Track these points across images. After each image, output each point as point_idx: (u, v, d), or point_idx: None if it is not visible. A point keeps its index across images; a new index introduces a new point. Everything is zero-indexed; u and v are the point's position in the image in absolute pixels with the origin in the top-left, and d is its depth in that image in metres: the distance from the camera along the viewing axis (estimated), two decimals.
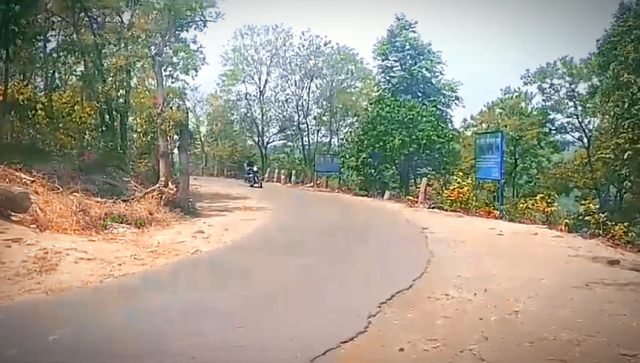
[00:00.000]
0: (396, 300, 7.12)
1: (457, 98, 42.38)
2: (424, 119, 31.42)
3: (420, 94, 39.35)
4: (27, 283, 7.97)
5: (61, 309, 6.79)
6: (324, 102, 47.90)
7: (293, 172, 36.98)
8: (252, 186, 31.34)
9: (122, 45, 22.52)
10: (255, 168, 34.48)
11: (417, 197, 21.76)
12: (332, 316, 6.32)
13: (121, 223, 13.16)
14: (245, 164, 38.49)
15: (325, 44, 47.10)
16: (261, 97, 49.31)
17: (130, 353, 5.13)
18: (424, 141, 30.79)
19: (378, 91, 42.14)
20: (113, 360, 4.94)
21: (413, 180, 32.79)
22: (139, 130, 25.11)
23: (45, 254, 9.24)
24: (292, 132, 49.39)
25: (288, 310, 6.69)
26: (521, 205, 18.11)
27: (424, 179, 23.46)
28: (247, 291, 7.45)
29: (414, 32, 40.97)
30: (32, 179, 14.11)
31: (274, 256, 10.44)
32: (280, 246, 11.74)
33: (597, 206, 18.58)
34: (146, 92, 24.94)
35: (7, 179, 13.02)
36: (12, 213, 10.97)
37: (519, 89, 42.48)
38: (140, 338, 5.56)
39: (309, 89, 48.05)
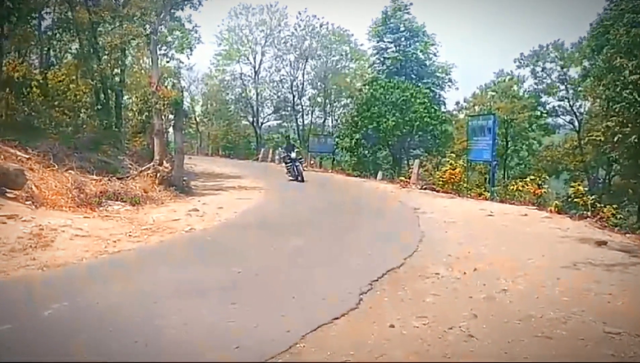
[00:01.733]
0: (387, 278, 7.26)
1: (450, 80, 42.50)
2: (418, 101, 31.49)
3: (414, 76, 39.38)
4: (23, 259, 8.06)
5: (56, 285, 6.88)
6: (319, 83, 47.84)
7: None
8: (293, 180, 22.04)
9: (117, 23, 22.41)
10: (294, 154, 22.85)
11: (410, 178, 21.89)
12: (324, 293, 6.44)
13: (116, 200, 13.25)
14: (281, 149, 28.90)
15: (321, 25, 46.95)
16: (256, 77, 49.22)
17: (124, 328, 5.23)
18: (417, 123, 30.90)
19: (372, 72, 42.16)
20: (107, 335, 5.05)
21: (406, 161, 32.94)
22: (133, 109, 24.95)
23: (41, 230, 9.34)
24: (287, 113, 49.35)
25: (281, 287, 6.81)
26: (512, 187, 18.26)
27: (417, 161, 23.58)
28: (240, 268, 7.56)
29: (408, 13, 40.90)
30: (27, 156, 14.14)
31: (268, 234, 10.55)
32: (274, 224, 11.85)
33: (587, 189, 18.80)
34: (141, 70, 24.92)
35: (2, 156, 13.05)
36: (7, 190, 11.04)
37: (512, 72, 42.60)
38: (134, 313, 5.67)
39: (303, 69, 47.97)
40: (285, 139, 28.45)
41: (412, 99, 31.36)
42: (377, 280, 7.03)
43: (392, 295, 6.55)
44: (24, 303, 6.03)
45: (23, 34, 22.21)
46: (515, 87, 42.39)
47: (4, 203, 10.32)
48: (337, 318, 5.58)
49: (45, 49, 24.52)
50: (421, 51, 40.73)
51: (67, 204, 11.98)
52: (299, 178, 21.54)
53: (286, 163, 23.16)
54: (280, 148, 30.17)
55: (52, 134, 17.75)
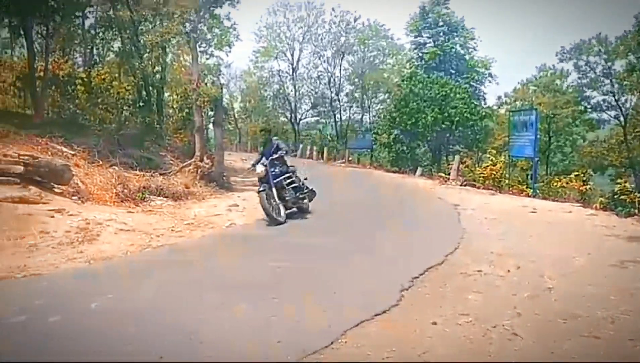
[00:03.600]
0: (429, 275, 7.19)
1: (490, 75, 41.76)
2: (457, 96, 31.06)
3: (453, 71, 38.88)
4: (70, 252, 8.32)
5: (102, 278, 7.06)
6: (356, 79, 47.60)
7: (325, 148, 37.00)
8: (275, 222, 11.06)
9: (158, 21, 22.74)
10: (281, 149, 12.11)
11: (449, 174, 21.63)
12: (364, 290, 6.43)
13: (158, 196, 13.50)
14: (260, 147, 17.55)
15: (355, 20, 46.78)
16: (294, 73, 49.26)
17: (167, 321, 5.32)
18: (457, 118, 30.47)
19: (410, 67, 41.75)
20: (152, 327, 5.14)
21: (445, 157, 32.56)
22: (174, 105, 25.49)
23: (87, 224, 9.58)
24: (325, 109, 49.29)
25: (321, 282, 6.82)
26: (555, 183, 17.84)
27: (457, 157, 23.29)
28: (280, 264, 7.60)
29: (447, 8, 40.36)
30: (73, 152, 14.52)
31: (307, 230, 10.58)
32: (314, 220, 11.85)
33: (633, 185, 18.23)
34: (181, 68, 25.24)
35: (50, 152, 13.42)
36: (55, 185, 11.34)
37: (554, 66, 41.61)
38: (177, 307, 5.76)
39: (340, 65, 47.80)
40: (264, 133, 16.91)
41: (452, 95, 30.94)
42: (418, 277, 6.97)
43: (434, 292, 6.49)
44: (72, 295, 6.19)
45: (67, 33, 22.80)
46: (558, 82, 41.39)
47: (52, 197, 10.61)
48: (378, 315, 5.55)
49: (89, 47, 25.13)
50: (460, 46, 40.17)
51: (112, 199, 12.26)
52: (282, 217, 10.97)
53: (261, 182, 11.31)
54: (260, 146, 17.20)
55: (97, 131, 18.16)
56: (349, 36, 47.22)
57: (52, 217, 9.57)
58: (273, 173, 11.22)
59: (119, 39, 23.57)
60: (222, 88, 20.18)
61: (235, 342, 4.81)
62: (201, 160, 17.07)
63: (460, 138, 32.32)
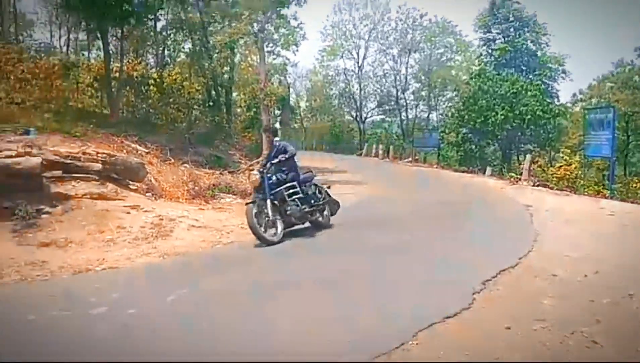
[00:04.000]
0: (501, 278, 6.97)
1: (564, 72, 40.18)
2: (528, 93, 30.11)
3: (524, 68, 37.65)
4: (145, 247, 8.63)
5: (176, 272, 7.26)
6: (423, 77, 47.02)
7: (391, 147, 36.71)
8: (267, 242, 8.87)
9: (227, 22, 23.21)
10: (285, 153, 9.68)
11: (521, 174, 21.00)
12: (435, 291, 6.29)
13: (228, 193, 13.77)
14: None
15: (422, 17, 46.21)
16: (359, 72, 49.17)
17: (240, 315, 5.40)
18: (528, 117, 29.54)
19: (479, 64, 40.75)
20: (224, 324, 5.22)
21: (516, 157, 31.63)
22: (242, 105, 26.01)
23: (160, 221, 9.89)
24: (390, 107, 48.95)
25: (392, 283, 6.71)
26: (634, 184, 17.00)
27: (528, 156, 22.53)
28: (350, 263, 7.58)
29: (517, 3, 39.11)
30: (146, 150, 15.04)
31: (374, 230, 10.46)
32: (380, 220, 11.74)
33: None
34: (249, 68, 25.70)
35: (125, 151, 13.93)
36: (130, 182, 11.76)
37: (633, 62, 39.63)
38: (248, 303, 5.84)
39: (407, 63, 47.35)
40: (267, 134, 14.59)
41: (523, 92, 30.03)
42: (490, 280, 6.77)
43: (507, 295, 6.28)
44: (148, 288, 6.40)
45: (140, 35, 23.64)
46: (636, 78, 39.42)
47: (128, 194, 11.01)
48: (449, 317, 5.42)
49: (161, 48, 25.96)
50: (532, 42, 38.87)
51: (183, 196, 12.61)
52: (276, 236, 8.94)
53: (256, 192, 9.42)
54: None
55: (168, 130, 18.73)
56: (415, 33, 46.71)
57: (128, 213, 9.94)
58: (270, 182, 9.19)
59: (189, 40, 24.25)
60: (288, 87, 20.41)
61: (304, 341, 4.82)
62: None
63: (532, 136, 31.30)
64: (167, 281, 6.70)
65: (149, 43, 25.56)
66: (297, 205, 9.41)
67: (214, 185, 13.88)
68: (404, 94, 47.71)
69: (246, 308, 5.64)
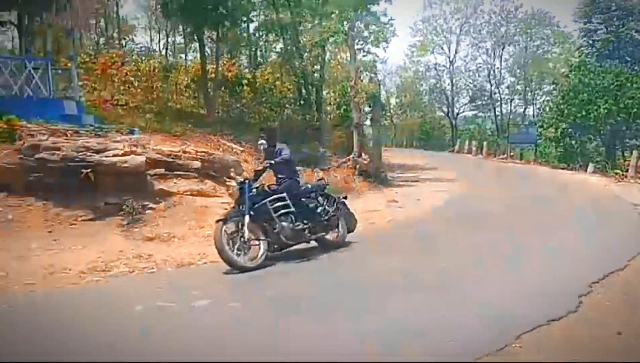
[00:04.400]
0: (609, 280, 6.57)
1: None
2: (634, 85, 28.22)
3: (628, 59, 35.34)
4: None
5: (274, 268, 7.37)
6: (518, 70, 45.40)
7: (484, 143, 35.67)
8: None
9: (317, 21, 23.40)
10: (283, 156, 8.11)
11: (627, 171, 19.75)
12: (538, 293, 6.02)
13: None
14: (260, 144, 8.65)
15: (517, 9, 44.57)
16: (451, 67, 48.21)
17: (339, 315, 5.38)
18: (634, 110, 27.68)
19: (579, 56, 38.69)
20: (328, 320, 5.23)
21: (621, 153, 29.76)
22: (332, 103, 26.18)
23: None
24: (483, 103, 47.63)
25: (490, 283, 6.48)
26: None
27: (635, 152, 21.16)
28: (444, 262, 7.42)
29: None
30: (241, 149, 15.47)
31: (469, 227, 10.20)
32: (474, 218, 11.43)
33: None
34: (338, 66, 25.81)
35: (221, 149, 14.39)
36: (227, 179, 12.11)
37: None
38: (347, 304, 5.76)
39: (501, 57, 45.87)
40: (262, 135, 8.60)
41: (628, 84, 28.20)
42: (597, 282, 6.40)
43: (616, 299, 5.92)
44: (247, 284, 6.55)
45: (234, 36, 24.32)
46: None
47: (225, 191, 11.31)
48: (554, 320, 5.17)
49: (253, 49, 26.60)
50: (636, 31, 36.47)
51: None
52: (254, 261, 7.20)
53: (237, 205, 7.89)
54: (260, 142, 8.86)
55: (260, 129, 19.14)
56: (510, 26, 45.18)
57: (225, 209, 10.21)
58: (251, 194, 7.41)
59: (281, 40, 24.66)
60: (379, 84, 20.29)
61: (406, 340, 4.73)
62: (359, 156, 17.33)
63: (639, 131, 29.35)
64: (265, 277, 6.82)
65: (242, 44, 26.27)
66: (291, 221, 7.71)
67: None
68: (498, 88, 46.30)
69: (347, 308, 5.57)
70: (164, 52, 31.55)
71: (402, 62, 51.66)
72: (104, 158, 9.66)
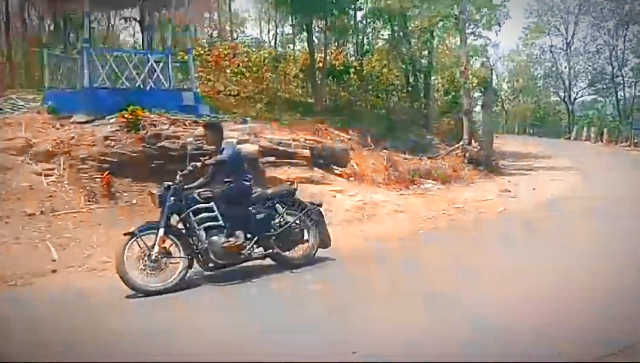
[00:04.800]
0: None
1: None
2: None
3: None
4: (352, 230, 8.95)
5: (381, 255, 7.36)
6: None
7: (604, 130, 33.46)
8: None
9: (425, 6, 22.93)
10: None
11: None
12: None
13: (427, 179, 13.72)
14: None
15: None
16: (568, 49, 45.46)
17: (444, 306, 5.20)
18: None
19: None
20: (422, 310, 5.06)
21: None
22: (440, 89, 25.64)
23: (364, 205, 10.21)
24: (604, 86, 44.54)
25: (614, 281, 5.84)
26: None
27: None
28: (564, 255, 6.99)
29: None
30: (348, 137, 15.56)
31: (589, 219, 9.54)
32: (595, 208, 10.63)
33: None
34: (446, 51, 25.21)
35: (329, 137, 14.55)
36: (334, 167, 12.26)
37: None
38: (455, 293, 5.57)
39: (624, 37, 42.61)
40: (208, 131, 7.28)
41: None
42: None
43: None
44: (360, 270, 6.56)
45: (342, 25, 24.39)
46: None
47: (334, 179, 11.52)
48: None
49: (360, 37, 26.54)
50: None
51: (384, 181, 12.84)
52: (164, 283, 5.97)
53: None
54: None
55: (368, 116, 19.16)
56: (635, 3, 41.80)
57: (334, 196, 10.40)
58: (170, 204, 6.18)
59: (389, 27, 24.42)
60: (491, 69, 19.61)
61: (527, 336, 4.46)
62: (469, 143, 16.90)
63: None
64: (376, 264, 6.83)
65: (349, 33, 26.29)
66: (227, 235, 6.29)
67: (413, 170, 13.91)
68: (620, 70, 43.09)
69: (452, 297, 5.42)
70: (273, 43, 32.18)
71: (515, 46, 49.57)
72: None
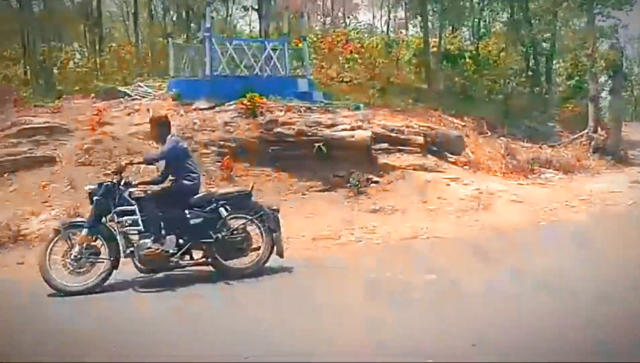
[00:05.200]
0: None
1: None
2: None
3: None
4: (466, 220, 8.72)
5: (496, 246, 7.09)
6: None
7: None
8: None
9: None
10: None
11: None
12: None
13: (548, 168, 13.04)
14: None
15: None
16: None
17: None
18: None
19: None
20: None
21: None
22: (563, 73, 24.23)
23: (480, 194, 9.87)
24: None
25: None
26: None
27: None
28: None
29: None
30: (463, 123, 15.12)
31: None
32: None
33: None
34: (569, 33, 23.72)
35: (443, 124, 14.21)
36: (448, 155, 11.96)
37: None
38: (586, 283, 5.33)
39: None
40: (157, 127, 6.71)
41: None
42: None
43: None
44: (473, 261, 6.36)
45: (458, 8, 23.67)
46: None
47: (447, 166, 11.24)
48: None
49: (477, 20, 25.62)
50: None
51: (500, 170, 12.37)
52: (83, 283, 5.81)
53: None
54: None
55: (484, 102, 18.49)
56: None
57: (448, 185, 10.17)
58: (97, 202, 5.89)
59: (508, 9, 23.38)
60: (621, 52, 18.21)
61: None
62: (595, 131, 15.83)
63: None
64: (491, 255, 6.58)
65: (465, 15, 25.48)
66: (154, 241, 5.82)
67: (532, 159, 13.24)
68: None
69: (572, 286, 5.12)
70: (385, 28, 31.92)
71: None
72: (333, 133, 10.27)
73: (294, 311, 4.86)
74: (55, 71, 17.70)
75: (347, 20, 33.44)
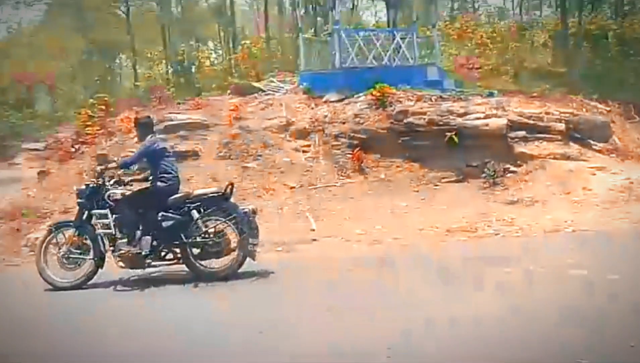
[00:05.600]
0: None
1: None
2: None
3: None
4: (615, 212, 8.05)
5: None
6: None
7: None
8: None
9: None
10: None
11: None
12: None
13: None
14: None
15: None
16: None
17: None
18: None
19: None
20: None
21: None
22: None
23: (630, 184, 9.06)
24: None
25: None
26: None
27: None
28: None
29: None
30: (608, 108, 13.98)
31: None
32: None
33: None
34: None
35: (585, 109, 13.23)
36: (592, 142, 11.12)
37: None
38: None
39: None
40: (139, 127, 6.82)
41: None
42: None
43: None
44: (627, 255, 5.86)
45: None
46: None
47: (592, 155, 10.44)
48: None
49: None
50: None
51: None
52: (72, 279, 6.28)
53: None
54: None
55: (631, 85, 16.99)
56: None
57: (594, 174, 9.48)
58: (81, 202, 6.26)
59: None
60: None
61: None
62: None
63: None
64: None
65: None
66: (129, 242, 6.05)
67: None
68: None
69: None
70: (517, 10, 30.43)
71: None
72: (466, 121, 9.96)
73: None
74: (193, 70, 18.79)
75: (476, 4, 32.33)
